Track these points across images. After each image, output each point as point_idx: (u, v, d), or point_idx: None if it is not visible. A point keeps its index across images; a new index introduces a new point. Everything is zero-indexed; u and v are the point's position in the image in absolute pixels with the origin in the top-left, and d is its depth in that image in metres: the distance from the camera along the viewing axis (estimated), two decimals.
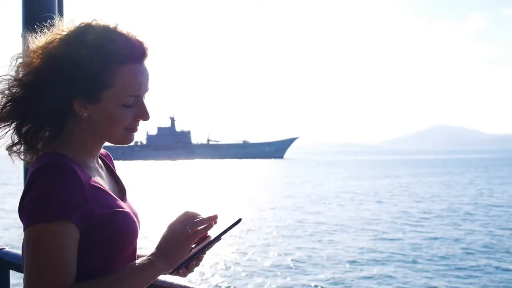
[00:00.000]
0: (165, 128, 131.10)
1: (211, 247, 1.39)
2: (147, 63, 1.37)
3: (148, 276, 1.30)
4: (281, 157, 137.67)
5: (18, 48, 1.42)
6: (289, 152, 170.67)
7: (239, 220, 1.35)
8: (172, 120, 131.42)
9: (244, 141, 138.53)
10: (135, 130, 1.40)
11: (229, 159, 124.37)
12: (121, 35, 1.33)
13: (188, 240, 1.33)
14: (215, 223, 1.38)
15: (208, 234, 1.40)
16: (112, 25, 1.33)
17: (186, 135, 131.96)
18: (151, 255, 1.33)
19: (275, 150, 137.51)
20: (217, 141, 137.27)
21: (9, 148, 1.38)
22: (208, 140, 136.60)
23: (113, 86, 1.31)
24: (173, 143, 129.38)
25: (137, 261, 1.32)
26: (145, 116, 1.38)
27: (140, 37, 1.35)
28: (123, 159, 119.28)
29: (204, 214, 1.37)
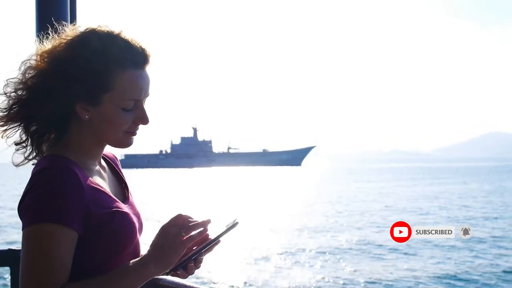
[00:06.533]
0: (188, 138, 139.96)
1: (210, 249, 1.39)
2: (149, 69, 1.41)
3: (139, 279, 1.30)
4: (298, 164, 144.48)
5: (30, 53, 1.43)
6: (310, 160, 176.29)
7: (237, 223, 1.35)
8: (195, 130, 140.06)
9: (264, 150, 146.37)
10: (134, 133, 1.43)
11: (247, 166, 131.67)
12: (124, 41, 1.37)
13: (183, 244, 1.30)
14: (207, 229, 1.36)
15: (208, 236, 1.39)
16: (116, 31, 1.38)
17: (207, 144, 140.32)
18: (144, 256, 1.31)
19: (293, 158, 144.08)
20: (237, 149, 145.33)
21: (18, 145, 1.41)
22: (229, 148, 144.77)
23: (113, 89, 1.34)
24: (195, 152, 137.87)
25: (131, 262, 1.31)
26: (145, 120, 1.41)
27: (143, 44, 1.39)
28: (149, 167, 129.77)
29: (201, 217, 1.36)
